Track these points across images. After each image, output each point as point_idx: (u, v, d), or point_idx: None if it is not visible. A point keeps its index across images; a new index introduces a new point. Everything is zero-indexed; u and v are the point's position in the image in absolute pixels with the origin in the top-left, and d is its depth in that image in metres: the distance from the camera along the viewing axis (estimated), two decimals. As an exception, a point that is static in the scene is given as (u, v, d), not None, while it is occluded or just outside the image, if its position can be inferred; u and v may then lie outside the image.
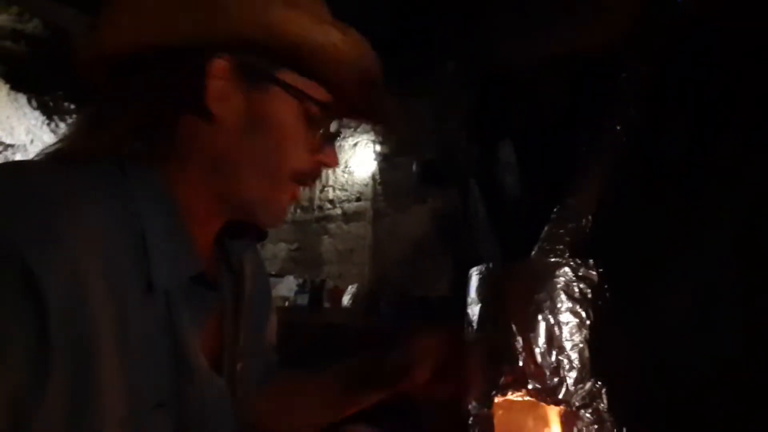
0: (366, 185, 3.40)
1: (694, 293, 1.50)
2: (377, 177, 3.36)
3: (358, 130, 3.51)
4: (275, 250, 3.77)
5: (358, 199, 3.44)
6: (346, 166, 3.55)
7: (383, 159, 3.36)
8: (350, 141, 3.54)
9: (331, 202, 3.59)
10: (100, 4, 0.62)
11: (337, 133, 0.70)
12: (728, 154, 1.61)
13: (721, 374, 1.36)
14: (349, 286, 3.31)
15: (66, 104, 3.45)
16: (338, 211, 3.53)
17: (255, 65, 0.61)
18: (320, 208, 3.63)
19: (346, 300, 3.28)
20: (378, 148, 3.38)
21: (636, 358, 1.30)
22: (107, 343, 0.52)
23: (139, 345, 0.56)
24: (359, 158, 3.47)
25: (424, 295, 3.01)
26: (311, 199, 3.68)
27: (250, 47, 0.59)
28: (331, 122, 0.68)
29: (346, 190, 3.52)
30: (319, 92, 0.65)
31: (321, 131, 0.66)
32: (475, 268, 1.54)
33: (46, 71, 3.28)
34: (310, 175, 0.67)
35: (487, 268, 1.51)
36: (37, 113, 3.40)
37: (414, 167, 3.26)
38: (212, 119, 0.61)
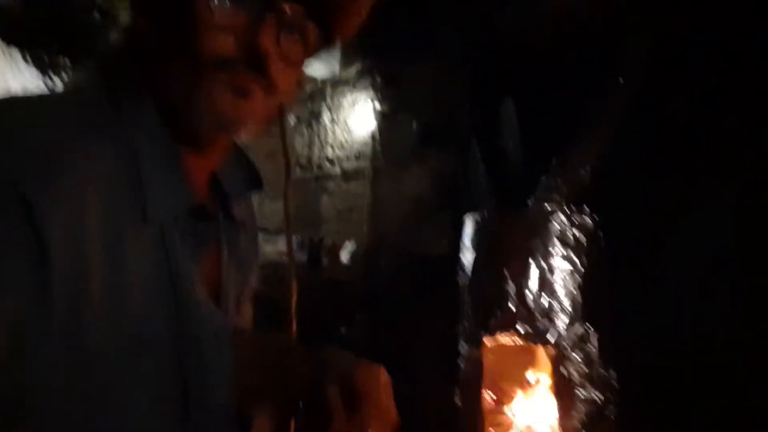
0: (365, 144, 3.38)
1: (689, 247, 1.49)
2: (377, 136, 3.33)
3: (358, 87, 3.47)
4: (273, 207, 3.77)
5: (357, 158, 3.42)
6: (345, 124, 3.52)
7: (383, 117, 3.32)
8: (349, 98, 3.50)
9: (329, 160, 3.57)
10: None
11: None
12: (731, 112, 1.58)
13: (713, 325, 1.36)
14: (347, 242, 3.32)
15: (61, 59, 3.40)
16: (337, 170, 3.52)
17: None
18: (319, 166, 3.61)
19: (344, 256, 3.30)
20: (378, 106, 3.34)
21: (628, 305, 1.30)
22: (103, 273, 0.52)
23: (135, 277, 0.55)
24: (358, 116, 3.44)
25: (424, 252, 3.02)
26: (310, 158, 3.66)
27: None
28: None
29: (345, 149, 3.49)
30: None
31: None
32: (469, 215, 1.54)
33: (40, 26, 3.23)
34: (240, 61, 0.59)
35: (481, 215, 1.50)
36: (32, 68, 3.36)
37: (414, 126, 3.23)
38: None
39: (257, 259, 0.92)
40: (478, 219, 1.47)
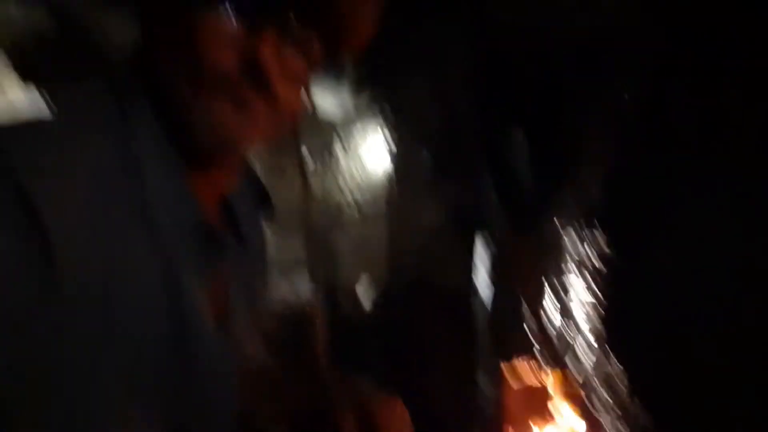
0: (378, 177, 3.39)
1: (701, 257, 1.44)
2: (389, 168, 3.35)
3: (367, 119, 3.51)
4: (292, 242, 3.77)
5: (372, 191, 3.43)
6: (357, 158, 3.54)
7: (395, 149, 3.34)
8: (360, 132, 3.54)
9: (344, 196, 3.58)
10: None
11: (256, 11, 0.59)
12: (741, 116, 1.56)
13: (731, 336, 1.31)
14: (362, 275, 3.30)
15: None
16: (352, 205, 3.53)
17: None
18: (334, 203, 3.62)
19: (359, 290, 3.26)
20: (389, 137, 3.37)
21: (646, 322, 1.26)
22: (103, 272, 0.51)
23: (136, 293, 0.54)
24: (369, 149, 3.46)
25: (440, 282, 2.99)
26: (325, 194, 3.68)
27: None
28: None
29: (357, 181, 3.51)
30: None
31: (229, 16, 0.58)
32: (480, 238, 1.52)
33: (54, 59, 3.33)
34: (238, 74, 0.58)
35: (492, 239, 1.48)
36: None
37: (424, 154, 3.25)
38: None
39: (266, 285, 0.91)
40: (489, 240, 1.45)
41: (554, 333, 1.25)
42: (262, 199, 0.78)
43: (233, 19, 0.57)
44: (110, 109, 0.58)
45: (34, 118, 0.52)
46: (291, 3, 0.59)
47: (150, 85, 0.61)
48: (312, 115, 3.77)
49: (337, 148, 3.65)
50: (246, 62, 0.57)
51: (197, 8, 0.57)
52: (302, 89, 0.66)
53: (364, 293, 3.24)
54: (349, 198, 3.52)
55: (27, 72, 3.21)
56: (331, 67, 3.13)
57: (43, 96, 0.59)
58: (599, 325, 1.23)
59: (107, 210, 0.52)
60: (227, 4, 0.57)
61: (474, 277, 1.52)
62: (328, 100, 3.52)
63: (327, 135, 3.71)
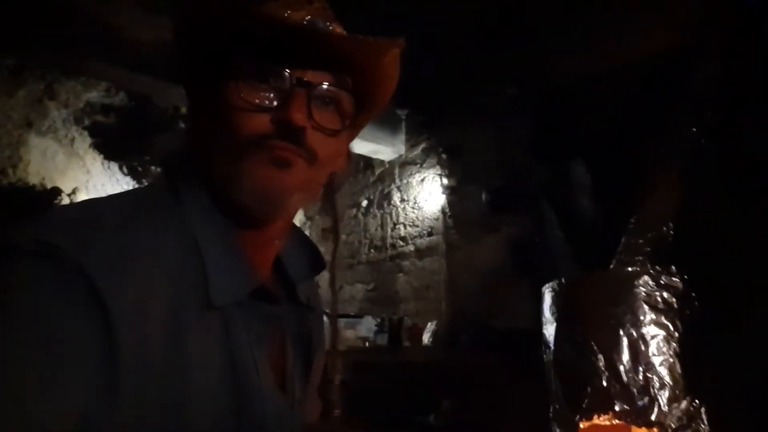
0: (436, 219, 3.37)
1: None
2: (447, 210, 3.33)
3: (425, 165, 3.52)
4: (352, 291, 3.79)
5: (430, 234, 3.41)
6: (415, 202, 3.54)
7: (451, 191, 3.32)
8: (417, 177, 3.55)
9: (403, 239, 3.58)
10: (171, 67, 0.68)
11: (290, 81, 0.61)
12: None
13: None
14: (429, 324, 3.24)
15: (153, 168, 3.71)
16: (411, 247, 3.51)
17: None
18: (393, 246, 3.62)
19: (426, 338, 3.21)
20: (445, 180, 3.36)
21: (737, 371, 1.15)
22: (167, 361, 0.53)
23: (197, 363, 0.56)
24: (427, 192, 3.46)
25: (506, 327, 2.89)
26: (383, 238, 3.69)
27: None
28: (270, 72, 0.61)
29: (417, 226, 3.50)
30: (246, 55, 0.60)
31: (266, 86, 0.61)
32: (547, 285, 1.46)
33: (133, 139, 3.57)
34: (276, 136, 0.60)
35: (560, 284, 1.42)
36: (128, 178, 3.69)
37: (483, 196, 3.20)
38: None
39: (323, 345, 0.90)
40: (556, 287, 1.39)
41: (634, 386, 1.17)
42: (312, 254, 0.79)
43: (262, 86, 0.61)
44: (166, 194, 0.62)
45: (103, 219, 0.55)
46: (321, 64, 0.62)
47: (198, 163, 0.64)
48: (369, 162, 3.83)
49: (396, 194, 3.67)
50: (280, 124, 0.60)
51: (229, 80, 0.60)
52: (340, 144, 0.68)
53: (429, 337, 3.19)
54: (409, 243, 3.50)
55: (106, 150, 3.45)
56: (387, 117, 3.19)
57: (112, 197, 0.64)
58: (683, 377, 1.14)
59: (170, 300, 0.54)
60: (256, 72, 0.60)
61: (543, 321, 1.46)
62: (385, 151, 3.57)
63: (385, 184, 3.75)
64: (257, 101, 0.60)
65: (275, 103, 0.60)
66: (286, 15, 0.59)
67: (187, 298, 0.57)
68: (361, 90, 0.67)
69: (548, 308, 1.43)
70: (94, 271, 0.49)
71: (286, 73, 0.60)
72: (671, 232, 1.48)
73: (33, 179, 3.21)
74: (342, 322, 3.32)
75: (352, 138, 0.73)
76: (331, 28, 0.62)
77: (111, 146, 3.50)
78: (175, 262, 0.57)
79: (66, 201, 3.35)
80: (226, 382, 0.59)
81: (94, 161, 3.47)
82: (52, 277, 0.48)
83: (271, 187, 0.61)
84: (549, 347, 1.38)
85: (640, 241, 1.50)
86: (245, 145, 0.60)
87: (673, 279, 1.25)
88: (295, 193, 0.63)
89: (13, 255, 0.48)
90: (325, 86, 0.62)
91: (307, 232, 0.88)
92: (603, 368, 1.22)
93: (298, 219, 3.97)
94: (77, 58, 2.54)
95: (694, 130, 1.74)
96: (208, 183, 0.63)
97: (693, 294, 1.22)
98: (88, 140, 3.41)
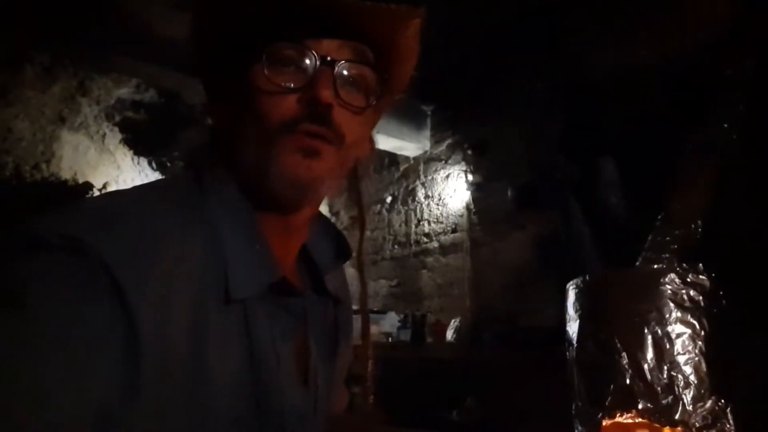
0: (461, 216, 3.36)
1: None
2: (471, 206, 3.31)
3: (450, 161, 3.50)
4: (376, 287, 3.80)
5: (454, 231, 3.40)
6: (439, 198, 3.53)
7: (477, 188, 3.30)
8: (442, 173, 3.54)
9: (427, 235, 3.57)
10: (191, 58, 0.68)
11: (310, 57, 0.60)
12: None
13: None
14: (452, 320, 3.23)
15: (181, 163, 3.78)
16: (435, 244, 3.50)
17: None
18: (417, 242, 3.62)
19: (449, 335, 3.20)
20: (470, 177, 3.34)
21: (764, 370, 1.12)
22: (187, 355, 0.53)
23: (217, 358, 0.56)
24: (452, 189, 3.45)
25: (530, 325, 2.86)
26: (408, 234, 3.69)
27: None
28: (292, 52, 0.61)
29: (441, 223, 3.49)
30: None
31: (288, 66, 0.60)
32: (571, 282, 1.44)
33: (163, 135, 3.63)
34: (304, 118, 0.60)
35: (584, 281, 1.40)
36: (157, 174, 3.76)
37: (509, 193, 3.17)
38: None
39: (351, 336, 0.88)
40: (580, 284, 1.37)
41: (659, 385, 1.15)
42: (338, 242, 0.79)
43: (287, 68, 0.60)
44: (190, 186, 0.62)
45: (127, 213, 0.55)
46: (343, 40, 0.62)
47: (224, 154, 0.64)
48: (394, 159, 3.83)
49: (420, 190, 3.66)
50: (307, 105, 0.60)
51: (253, 64, 0.60)
52: (365, 124, 0.68)
53: (453, 334, 3.18)
54: (434, 239, 3.49)
55: (136, 145, 3.52)
56: (412, 113, 3.18)
57: (136, 189, 0.64)
58: (709, 376, 1.11)
59: (191, 295, 0.55)
60: (279, 54, 0.60)
61: (566, 318, 1.44)
62: (409, 147, 3.57)
63: (410, 180, 3.75)
64: (283, 83, 0.60)
65: (301, 83, 0.60)
66: None
67: (209, 291, 0.57)
68: (384, 68, 0.67)
69: (572, 305, 1.41)
70: (116, 266, 0.49)
71: (311, 53, 0.60)
72: (699, 229, 1.44)
73: (65, 174, 3.30)
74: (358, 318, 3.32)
75: (375, 121, 0.73)
76: None
77: (141, 142, 3.57)
78: (198, 254, 0.57)
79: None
80: (246, 376, 0.59)
81: (125, 156, 3.54)
82: (74, 272, 0.48)
83: (300, 174, 0.60)
84: (572, 345, 1.36)
85: (668, 238, 1.47)
86: (273, 130, 0.60)
87: (700, 277, 1.22)
88: (324, 180, 0.62)
89: (37, 248, 0.49)
90: (349, 63, 0.62)
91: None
92: (626, 366, 1.20)
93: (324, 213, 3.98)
94: (108, 55, 2.60)
95: (726, 126, 1.69)
96: (233, 173, 0.63)
97: (720, 292, 1.19)
98: (119, 136, 3.49)
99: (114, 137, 3.51)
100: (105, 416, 0.47)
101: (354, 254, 0.79)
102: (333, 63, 0.60)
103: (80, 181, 3.36)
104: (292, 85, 0.60)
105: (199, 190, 0.62)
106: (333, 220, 4.32)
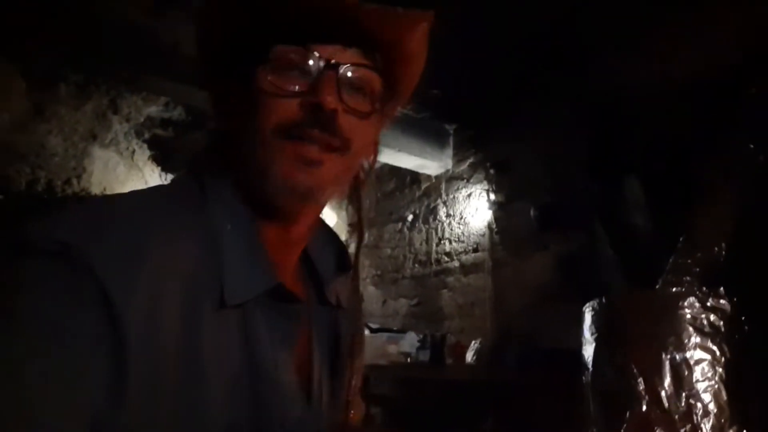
0: (482, 235, 3.32)
1: None
2: (493, 226, 3.28)
3: (472, 180, 3.48)
4: (396, 306, 3.77)
5: (476, 250, 3.36)
6: (461, 217, 3.51)
7: (499, 207, 3.27)
8: (464, 192, 3.52)
9: (448, 254, 3.54)
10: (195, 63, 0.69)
11: (313, 61, 0.59)
12: None
13: None
14: (473, 342, 3.18)
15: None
16: (456, 263, 3.47)
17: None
18: (438, 261, 3.59)
19: (470, 356, 3.15)
20: (492, 196, 3.31)
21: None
22: (179, 361, 0.53)
23: (212, 362, 0.55)
24: (474, 208, 3.42)
25: (552, 347, 2.80)
26: (428, 253, 3.67)
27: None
28: (295, 56, 0.60)
29: (462, 242, 3.46)
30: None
31: (290, 71, 0.59)
32: (587, 304, 1.41)
33: (190, 152, 3.70)
34: (307, 123, 0.59)
35: (600, 303, 1.37)
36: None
37: (532, 212, 3.13)
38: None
39: (358, 347, 0.83)
40: (596, 306, 1.34)
41: (676, 413, 1.11)
42: (339, 252, 0.78)
43: (291, 71, 0.59)
44: (191, 189, 0.62)
45: (123, 216, 0.54)
46: (348, 44, 0.60)
47: (226, 158, 0.64)
48: (415, 177, 3.83)
49: (442, 209, 3.64)
50: (310, 110, 0.59)
51: (257, 67, 0.59)
52: (371, 130, 0.66)
53: (473, 355, 3.12)
54: (454, 258, 3.46)
55: (164, 162, 3.60)
56: (435, 131, 3.17)
57: (135, 193, 0.65)
58: (730, 405, 1.07)
59: (184, 300, 0.54)
60: (284, 57, 0.59)
61: (582, 341, 1.40)
62: (431, 165, 3.56)
63: (431, 199, 3.73)
64: (287, 86, 0.59)
65: (305, 87, 0.59)
66: None
67: (204, 295, 0.56)
68: (390, 73, 0.66)
69: (588, 328, 1.37)
70: (105, 271, 0.49)
71: (315, 56, 0.59)
72: (723, 252, 1.40)
73: (95, 189, 3.39)
74: (385, 336, 3.30)
75: (381, 126, 0.71)
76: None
77: (168, 158, 3.65)
78: (193, 258, 0.56)
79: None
80: (243, 381, 0.58)
81: (153, 173, 3.62)
82: (62, 277, 0.48)
83: (300, 182, 0.59)
84: (588, 369, 1.32)
85: (689, 261, 1.43)
86: (274, 133, 0.59)
87: (721, 301, 1.18)
88: (326, 188, 0.61)
89: (25, 252, 0.49)
90: (354, 67, 0.60)
91: (344, 237, 0.85)
92: (643, 392, 1.16)
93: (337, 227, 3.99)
94: (139, 74, 2.68)
95: (751, 146, 1.65)
96: (234, 178, 0.63)
97: (742, 317, 1.15)
98: (147, 152, 3.57)
99: (143, 154, 3.59)
100: (93, 424, 0.46)
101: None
102: (337, 66, 0.59)
103: (109, 196, 3.44)
104: (296, 88, 0.59)
105: (200, 195, 0.61)
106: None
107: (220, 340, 0.56)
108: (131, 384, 0.48)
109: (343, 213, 3.69)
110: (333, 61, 0.59)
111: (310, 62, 0.59)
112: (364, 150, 0.66)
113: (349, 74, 0.60)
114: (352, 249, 0.78)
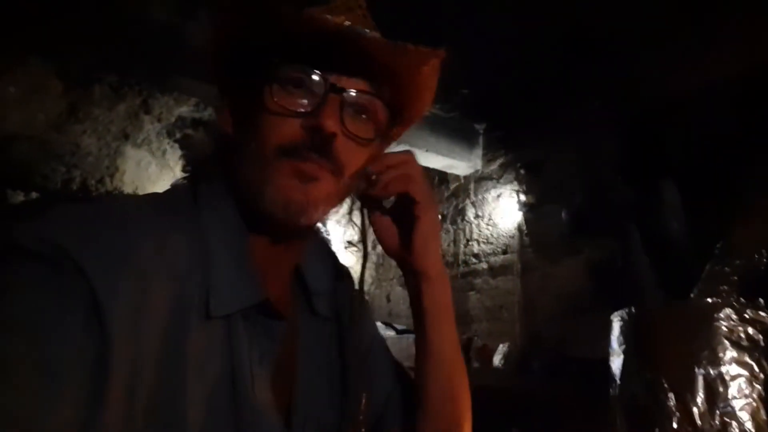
0: (512, 237, 3.26)
1: None
2: (523, 228, 3.21)
3: (502, 180, 3.42)
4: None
5: (505, 252, 3.30)
6: (490, 218, 3.45)
7: (529, 209, 3.20)
8: (493, 193, 3.46)
9: (476, 256, 3.49)
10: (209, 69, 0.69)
11: (319, 86, 0.59)
12: None
13: None
14: (500, 345, 3.13)
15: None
16: (484, 265, 3.42)
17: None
18: (465, 262, 3.54)
19: (497, 360, 3.10)
20: (523, 197, 3.24)
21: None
22: (160, 368, 0.52)
23: (194, 371, 0.55)
24: (503, 209, 3.36)
25: (581, 356, 2.72)
26: (456, 254, 3.62)
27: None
28: (300, 77, 0.59)
29: (491, 243, 3.40)
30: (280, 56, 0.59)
31: (297, 94, 0.59)
32: (616, 313, 1.35)
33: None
34: (304, 146, 0.59)
35: (629, 313, 1.30)
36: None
37: (563, 215, 3.06)
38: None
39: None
40: (626, 316, 1.28)
41: (710, 430, 1.05)
42: (335, 266, 0.77)
43: (295, 92, 0.59)
44: (185, 197, 0.62)
45: (113, 220, 0.54)
46: (358, 71, 0.60)
47: (225, 168, 0.63)
48: (444, 177, 3.79)
49: (470, 209, 3.59)
50: (310, 131, 0.58)
51: (264, 84, 0.59)
52: (370, 156, 0.65)
53: (500, 359, 3.07)
54: (483, 260, 3.41)
55: (195, 161, 3.65)
56: (464, 131, 3.13)
57: (129, 199, 0.64)
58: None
59: (170, 309, 0.54)
60: (291, 77, 0.59)
61: (610, 352, 1.35)
62: (460, 166, 3.52)
63: (459, 199, 3.69)
64: (290, 106, 0.59)
65: (308, 109, 0.59)
66: (326, 18, 0.58)
67: (191, 305, 0.56)
68: (397, 102, 0.65)
69: (616, 339, 1.32)
70: (94, 273, 0.48)
71: (321, 78, 0.59)
72: (764, 260, 1.32)
73: (128, 188, 3.45)
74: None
75: (381, 153, 0.70)
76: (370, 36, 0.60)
77: (199, 158, 3.70)
78: (181, 266, 0.56)
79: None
80: (225, 394, 0.57)
81: (176, 164, 3.68)
82: (49, 279, 0.48)
83: (294, 198, 0.59)
84: (615, 381, 1.27)
85: (727, 269, 1.36)
86: (273, 152, 0.59)
87: (760, 313, 1.11)
88: (319, 205, 0.61)
89: (12, 253, 0.48)
90: (359, 93, 0.60)
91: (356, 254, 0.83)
92: (674, 409, 1.10)
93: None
94: (170, 75, 2.72)
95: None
96: (231, 189, 0.63)
97: (783, 332, 1.08)
98: (179, 152, 3.63)
99: (174, 153, 3.65)
100: (78, 424, 0.46)
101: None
102: (342, 91, 0.59)
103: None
104: (299, 109, 0.59)
105: (194, 202, 0.61)
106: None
107: (204, 348, 0.56)
108: (113, 385, 0.48)
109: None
110: (338, 85, 0.59)
111: (316, 84, 0.59)
112: (357, 171, 0.65)
113: (354, 99, 0.60)
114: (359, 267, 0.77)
